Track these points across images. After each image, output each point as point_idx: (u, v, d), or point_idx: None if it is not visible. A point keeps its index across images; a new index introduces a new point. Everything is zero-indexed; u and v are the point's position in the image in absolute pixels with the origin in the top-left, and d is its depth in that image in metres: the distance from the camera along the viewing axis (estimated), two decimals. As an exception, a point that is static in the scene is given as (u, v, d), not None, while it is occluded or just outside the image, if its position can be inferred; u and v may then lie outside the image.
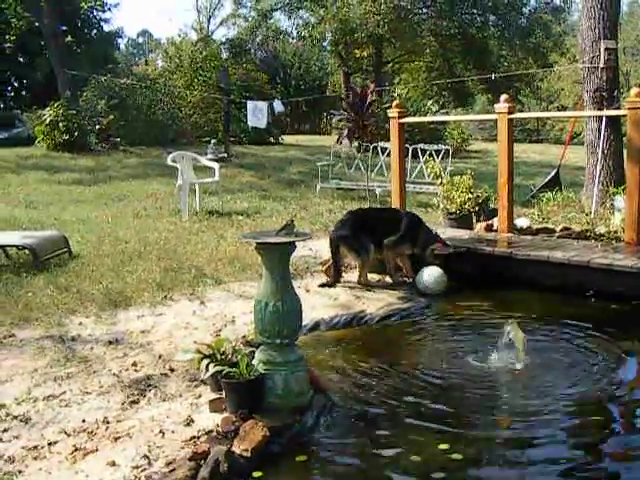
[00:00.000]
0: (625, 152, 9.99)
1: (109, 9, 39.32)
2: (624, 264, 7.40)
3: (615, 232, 9.07)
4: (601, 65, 12.53)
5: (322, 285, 7.88)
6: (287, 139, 31.34)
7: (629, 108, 8.33)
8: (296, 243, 4.73)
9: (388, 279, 8.30)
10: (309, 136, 36.59)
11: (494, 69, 30.10)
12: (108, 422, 4.55)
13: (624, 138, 10.63)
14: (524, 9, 35.82)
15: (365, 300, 7.51)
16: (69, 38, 30.92)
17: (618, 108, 11.79)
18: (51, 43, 25.62)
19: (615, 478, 4.12)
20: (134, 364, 5.57)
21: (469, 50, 34.59)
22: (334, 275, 7.99)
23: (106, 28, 40.09)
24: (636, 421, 4.90)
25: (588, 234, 9.50)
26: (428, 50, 36.41)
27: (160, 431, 4.40)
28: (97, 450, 4.19)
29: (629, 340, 6.28)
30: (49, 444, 4.26)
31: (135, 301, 7.14)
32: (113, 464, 4.01)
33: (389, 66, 39.57)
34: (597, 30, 12.64)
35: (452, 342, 6.36)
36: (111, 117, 24.53)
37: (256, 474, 3.94)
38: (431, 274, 7.94)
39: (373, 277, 8.27)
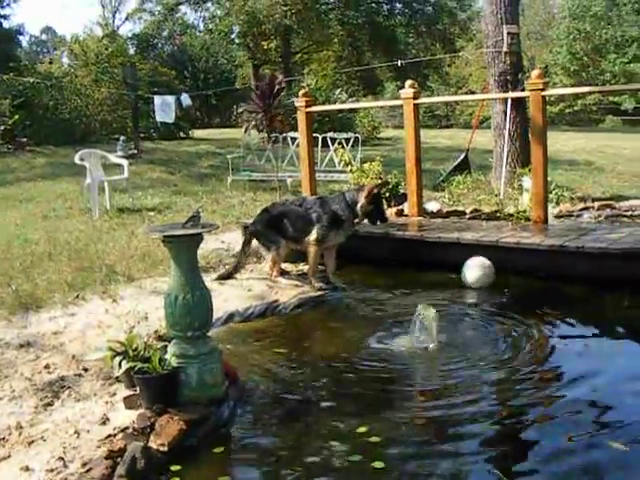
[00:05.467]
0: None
1: (8, 4, 38.28)
2: (531, 242, 7.58)
3: (524, 211, 9.29)
4: (504, 49, 12.84)
5: (219, 278, 7.81)
6: (197, 133, 31.14)
7: (531, 90, 8.54)
8: (206, 235, 4.73)
9: (301, 267, 8.32)
10: (220, 129, 36.38)
11: (402, 56, 30.40)
12: (21, 427, 4.46)
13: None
14: (430, -4, 36.38)
15: (278, 290, 7.55)
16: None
17: (523, 90, 12.07)
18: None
19: (533, 444, 4.25)
20: (47, 366, 5.46)
21: (377, 38, 34.94)
22: (234, 267, 7.97)
23: (6, 25, 39.08)
24: (544, 391, 5.02)
25: (498, 215, 9.72)
26: (336, 40, 36.64)
27: (75, 432, 4.34)
28: (10, 456, 4.10)
29: (536, 316, 6.45)
30: (-40, 453, 4.16)
31: (46, 302, 7.00)
32: (27, 469, 3.93)
33: (298, 56, 39.72)
34: (499, 15, 12.94)
35: (366, 327, 6.39)
36: (16, 117, 23.98)
37: (174, 468, 3.92)
38: (477, 267, 7.55)
39: (287, 267, 8.29)
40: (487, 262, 7.50)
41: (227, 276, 7.88)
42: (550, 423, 4.47)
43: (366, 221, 7.93)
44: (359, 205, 7.76)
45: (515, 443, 4.33)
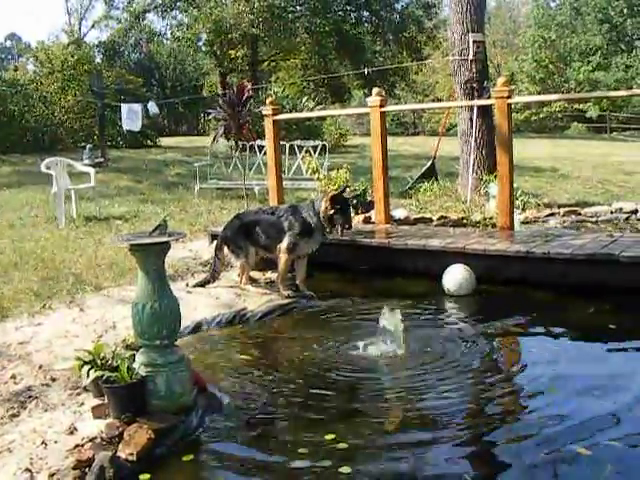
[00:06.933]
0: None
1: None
2: (498, 248, 7.64)
3: (490, 218, 9.37)
4: (470, 57, 12.95)
5: (197, 285, 7.86)
6: (165, 141, 31.01)
7: (496, 97, 8.61)
8: (174, 244, 4.71)
9: (269, 275, 8.32)
10: (187, 137, 36.28)
11: (369, 64, 30.49)
12: (-13, 438, 4.42)
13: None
14: (396, 5, 36.56)
15: (246, 298, 7.56)
16: None
17: (488, 98, 12.19)
18: None
19: (502, 448, 4.27)
20: (13, 377, 5.41)
21: (344, 46, 35.05)
22: (210, 274, 7.99)
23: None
24: (514, 395, 5.07)
25: (464, 221, 9.79)
26: (303, 48, 36.71)
27: (42, 442, 4.30)
28: (-25, 468, 4.07)
29: (503, 322, 6.50)
30: None
31: (12, 312, 6.94)
32: (-8, 481, 3.91)
33: (265, 65, 39.73)
34: (465, 24, 13.06)
35: (334, 334, 6.38)
36: (-20, 125, 23.80)
37: (143, 477, 3.90)
38: (457, 276, 7.51)
39: (254, 275, 8.29)
40: (467, 269, 7.51)
41: (204, 283, 7.90)
42: (520, 425, 4.51)
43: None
44: (320, 211, 7.75)
45: (485, 448, 4.35)
